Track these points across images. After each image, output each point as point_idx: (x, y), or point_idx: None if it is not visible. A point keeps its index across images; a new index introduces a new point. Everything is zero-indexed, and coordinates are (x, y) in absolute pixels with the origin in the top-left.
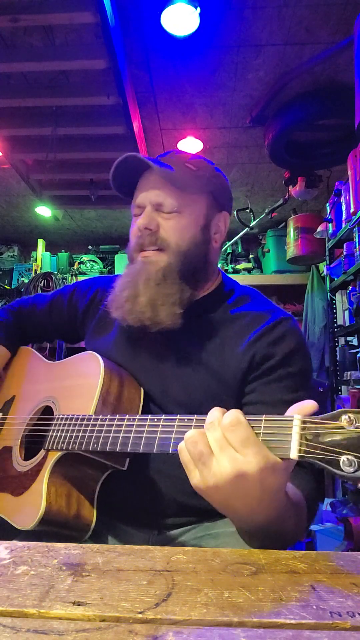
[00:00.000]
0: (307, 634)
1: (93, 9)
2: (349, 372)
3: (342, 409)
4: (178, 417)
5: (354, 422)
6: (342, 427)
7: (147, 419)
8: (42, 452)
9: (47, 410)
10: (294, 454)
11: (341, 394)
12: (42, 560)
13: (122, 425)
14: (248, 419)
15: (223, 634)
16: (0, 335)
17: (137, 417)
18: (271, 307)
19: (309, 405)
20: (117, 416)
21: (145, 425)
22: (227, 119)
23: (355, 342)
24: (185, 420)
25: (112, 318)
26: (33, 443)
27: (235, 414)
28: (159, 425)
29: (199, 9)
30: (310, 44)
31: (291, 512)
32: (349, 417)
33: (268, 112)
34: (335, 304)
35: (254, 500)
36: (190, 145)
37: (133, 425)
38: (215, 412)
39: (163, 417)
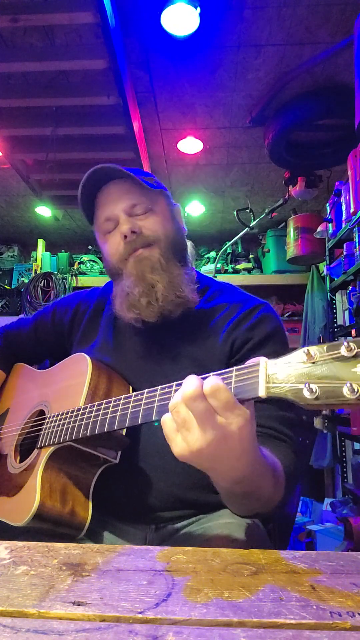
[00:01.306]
0: (307, 634)
1: (93, 9)
2: None
3: (302, 348)
4: (159, 387)
5: (314, 356)
6: (303, 362)
7: (131, 396)
8: (35, 452)
9: (41, 415)
10: (262, 392)
11: None
12: (42, 560)
13: (109, 407)
14: (220, 372)
15: (223, 634)
16: None
17: (123, 397)
18: (247, 296)
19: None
20: (104, 402)
21: (130, 401)
22: (227, 119)
23: None
24: (166, 389)
25: (95, 327)
26: (28, 447)
27: (214, 380)
28: (142, 399)
29: (199, 9)
30: (310, 44)
31: (266, 470)
32: (308, 351)
33: (268, 112)
34: (335, 304)
35: (235, 454)
36: (190, 145)
37: (119, 405)
38: (194, 381)
39: (146, 391)
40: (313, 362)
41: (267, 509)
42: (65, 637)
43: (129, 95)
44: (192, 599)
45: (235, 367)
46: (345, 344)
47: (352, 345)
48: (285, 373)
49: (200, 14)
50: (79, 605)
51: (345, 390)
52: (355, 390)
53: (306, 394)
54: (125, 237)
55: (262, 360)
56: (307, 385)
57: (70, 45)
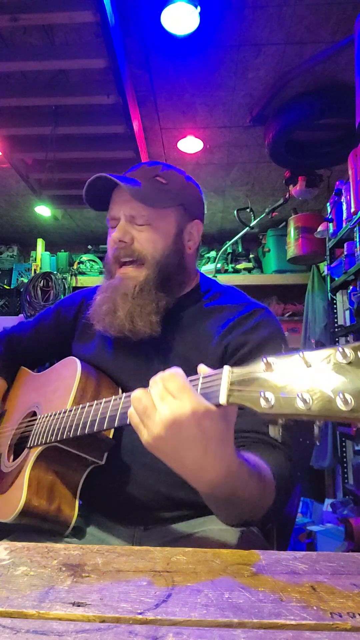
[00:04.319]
0: (308, 634)
1: (93, 8)
2: None
3: (262, 358)
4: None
5: (271, 365)
6: (263, 371)
7: (111, 399)
8: (25, 451)
9: (34, 416)
10: (222, 400)
11: None
12: (42, 561)
13: (92, 409)
14: (191, 378)
15: (223, 635)
16: None
17: (104, 400)
18: (246, 300)
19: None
20: (87, 404)
21: (110, 405)
22: (228, 119)
23: None
24: None
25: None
26: (21, 446)
27: (173, 368)
28: (119, 403)
29: (199, 8)
30: (311, 43)
31: (248, 473)
32: (267, 360)
33: (268, 112)
34: (335, 303)
35: (197, 447)
36: (190, 144)
37: (100, 407)
38: (158, 373)
39: (123, 395)
40: (272, 371)
41: (256, 516)
42: (65, 637)
43: (129, 94)
44: (192, 599)
45: (202, 374)
46: (301, 354)
47: (309, 355)
48: (246, 381)
49: (201, 13)
50: (78, 606)
51: (298, 401)
52: (307, 400)
53: (262, 402)
54: (119, 241)
55: (225, 368)
56: (262, 393)
57: (70, 44)
